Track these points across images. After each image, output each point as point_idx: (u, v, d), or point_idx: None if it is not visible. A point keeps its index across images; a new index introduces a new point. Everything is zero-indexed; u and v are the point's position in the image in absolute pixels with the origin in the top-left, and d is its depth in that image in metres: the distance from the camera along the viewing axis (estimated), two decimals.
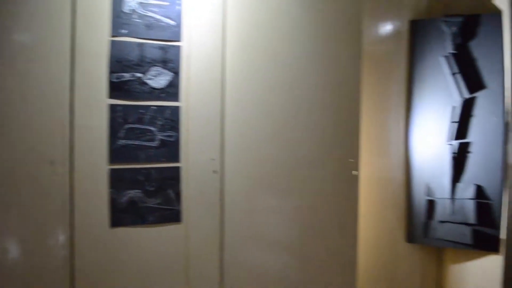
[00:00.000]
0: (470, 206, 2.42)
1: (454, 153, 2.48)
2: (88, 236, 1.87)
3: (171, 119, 2.03)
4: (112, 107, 1.93)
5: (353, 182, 2.14)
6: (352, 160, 2.14)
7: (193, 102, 2.05)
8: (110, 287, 1.91)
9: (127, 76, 1.94)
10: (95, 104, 1.89)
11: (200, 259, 2.06)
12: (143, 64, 1.97)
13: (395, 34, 2.68)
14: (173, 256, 2.01)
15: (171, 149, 2.03)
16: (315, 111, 2.17)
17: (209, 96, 2.07)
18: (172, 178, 2.04)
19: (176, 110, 2.03)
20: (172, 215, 2.04)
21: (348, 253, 2.17)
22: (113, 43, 1.91)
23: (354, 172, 2.13)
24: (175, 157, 2.04)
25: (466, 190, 2.44)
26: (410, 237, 2.66)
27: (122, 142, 1.95)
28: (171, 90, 2.02)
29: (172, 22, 2.00)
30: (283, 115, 2.15)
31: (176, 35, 2.01)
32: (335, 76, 2.19)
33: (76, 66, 1.84)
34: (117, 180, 1.94)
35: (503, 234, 2.37)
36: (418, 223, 2.62)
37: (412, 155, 2.66)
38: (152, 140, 2.00)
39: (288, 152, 2.14)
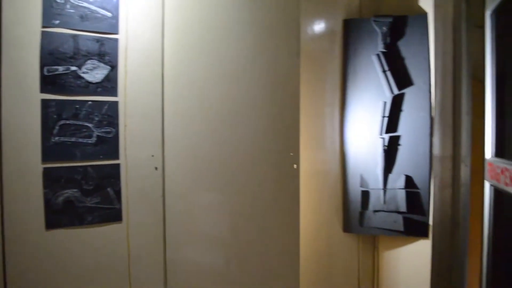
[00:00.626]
0: (401, 195, 2.58)
1: (385, 145, 2.63)
2: (22, 241, 1.75)
3: (109, 115, 1.95)
4: (45, 102, 1.82)
5: (294, 175, 2.19)
6: (292, 154, 2.19)
7: (131, 97, 1.98)
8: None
9: (60, 69, 1.84)
10: (26, 99, 1.77)
11: (143, 258, 2.00)
12: (78, 57, 1.87)
13: (329, 33, 2.78)
14: (115, 257, 1.94)
15: (109, 145, 1.96)
16: (256, 106, 2.19)
17: (148, 91, 2.02)
18: (111, 176, 1.96)
19: (113, 105, 1.96)
20: (112, 215, 1.96)
21: (290, 247, 2.22)
22: (45, 34, 1.80)
23: (294, 166, 2.18)
24: (113, 154, 1.97)
25: (397, 180, 2.59)
26: (347, 227, 2.78)
27: (57, 139, 1.84)
28: (108, 85, 1.94)
29: (108, 14, 1.92)
30: (224, 110, 2.14)
31: (113, 27, 1.93)
32: (275, 72, 2.23)
33: (3, 57, 1.71)
34: (52, 180, 1.83)
35: (431, 220, 2.54)
36: (354, 213, 2.74)
37: (347, 148, 2.78)
38: (88, 136, 1.91)
39: (229, 147, 2.15)
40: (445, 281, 2.73)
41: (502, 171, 2.26)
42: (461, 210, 2.73)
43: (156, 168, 2.05)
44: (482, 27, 2.52)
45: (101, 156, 1.93)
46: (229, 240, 2.14)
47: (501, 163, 2.27)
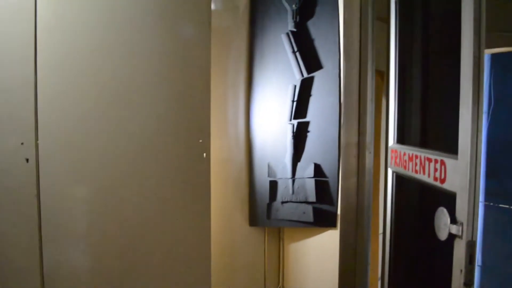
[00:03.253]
0: (310, 185, 2.46)
1: (294, 132, 2.47)
2: None
3: None
4: None
5: (204, 164, 1.90)
6: (201, 141, 1.89)
7: None
8: None
9: None
10: None
11: (20, 271, 1.55)
12: None
13: (235, 8, 2.51)
14: None
15: None
16: (158, 84, 1.82)
17: (16, 58, 1.54)
18: None
19: None
20: None
21: (201, 241, 1.91)
22: None
23: (204, 154, 1.89)
24: None
25: (306, 169, 2.46)
26: (253, 220, 2.59)
27: None
28: None
29: None
30: (118, 87, 1.73)
31: None
32: (180, 43, 1.88)
33: None
34: None
35: (339, 209, 2.48)
36: (261, 205, 2.56)
37: (253, 135, 2.57)
38: None
39: (124, 132, 1.75)
40: (351, 270, 2.71)
41: (410, 158, 2.25)
42: (365, 198, 2.73)
43: (27, 160, 1.58)
44: (386, 18, 2.51)
45: None
46: (129, 243, 1.76)
47: (409, 150, 2.27)
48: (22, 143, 1.57)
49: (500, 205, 2.59)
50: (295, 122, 2.47)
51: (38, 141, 1.60)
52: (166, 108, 1.83)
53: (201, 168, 1.88)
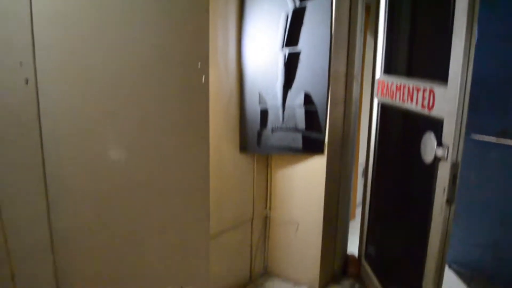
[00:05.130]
0: (299, 113, 2.52)
1: (285, 61, 2.50)
2: None
3: None
4: None
5: (203, 89, 1.91)
6: (200, 64, 1.88)
7: None
8: None
9: None
10: None
11: (17, 206, 1.57)
12: None
13: None
14: None
15: None
16: (156, 13, 1.78)
17: None
18: None
19: None
20: None
21: (200, 165, 1.96)
22: None
23: (203, 79, 1.89)
24: None
25: (296, 98, 2.52)
26: (243, 147, 2.66)
27: None
28: None
29: None
30: (118, 9, 1.69)
31: None
32: None
33: None
34: None
35: (327, 137, 2.57)
36: (251, 133, 2.62)
37: (245, 64, 2.57)
38: None
39: (124, 57, 1.73)
40: (336, 194, 2.87)
41: (397, 88, 2.34)
42: (351, 126, 2.83)
43: (26, 81, 1.56)
44: None
45: None
46: (131, 163, 1.81)
47: (398, 80, 2.34)
48: (20, 63, 1.54)
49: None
50: (286, 50, 2.49)
51: (36, 61, 1.56)
52: (165, 31, 1.81)
53: (200, 92, 1.89)
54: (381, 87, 2.57)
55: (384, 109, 2.63)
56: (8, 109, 1.53)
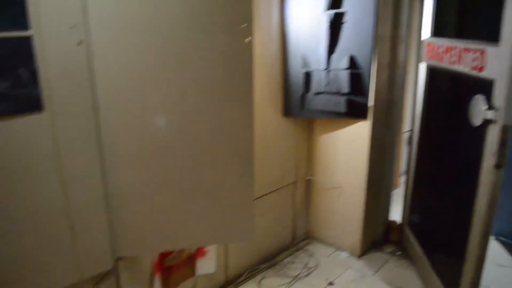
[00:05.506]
0: (343, 76, 2.49)
1: (329, 23, 2.45)
2: None
3: None
4: None
5: (247, 50, 1.92)
6: (245, 25, 1.89)
7: None
8: None
9: None
10: None
11: (74, 153, 1.68)
12: None
13: None
14: (40, 153, 1.58)
15: (14, 12, 1.48)
16: None
17: None
18: (22, 52, 1.52)
19: None
20: (29, 102, 1.56)
21: (244, 125, 1.97)
22: None
23: (247, 39, 1.90)
24: (22, 23, 1.50)
25: (340, 61, 2.48)
26: (287, 111, 2.67)
27: None
28: None
29: None
30: None
31: None
32: None
33: None
34: None
35: (371, 102, 2.53)
36: (295, 97, 2.62)
37: (288, 27, 2.55)
38: None
39: (170, 18, 1.76)
40: (379, 161, 2.84)
41: (446, 50, 2.24)
42: (397, 90, 2.76)
43: (80, 42, 1.63)
44: None
45: (4, 27, 1.46)
46: (177, 125, 1.86)
47: (446, 42, 2.25)
48: (73, 26, 1.61)
49: None
50: (330, 12, 2.43)
51: (89, 23, 1.63)
52: None
53: (244, 53, 1.90)
54: (428, 49, 2.48)
55: (431, 73, 2.54)
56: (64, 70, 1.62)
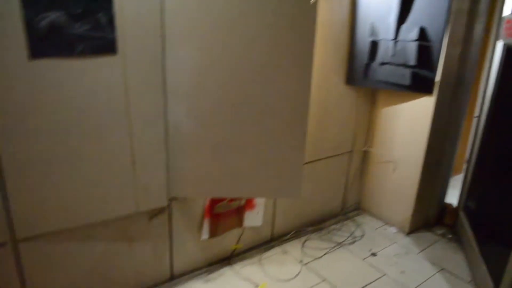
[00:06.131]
0: (411, 48, 2.42)
1: None
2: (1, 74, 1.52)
3: None
4: None
5: (311, 12, 1.93)
6: None
7: None
8: (36, 125, 1.64)
9: None
10: None
11: (140, 94, 1.83)
12: None
13: None
14: (111, 93, 1.75)
15: None
16: None
17: None
18: None
19: None
20: (105, 45, 1.72)
21: (302, 88, 2.02)
22: None
23: (312, 0, 1.91)
24: None
25: (410, 32, 2.41)
26: (350, 79, 2.67)
27: None
28: None
29: None
30: None
31: None
32: None
33: None
34: None
35: (438, 77, 2.45)
36: (359, 65, 2.60)
37: None
38: None
39: None
40: (440, 142, 2.76)
41: None
42: (468, 69, 2.64)
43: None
44: None
45: None
46: (235, 84, 1.95)
47: None
48: None
49: None
50: None
51: None
52: None
53: (308, 13, 1.92)
54: (508, 27, 2.33)
55: (509, 53, 2.39)
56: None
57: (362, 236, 2.89)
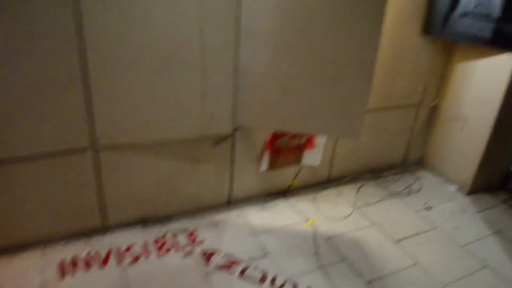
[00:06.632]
0: None
1: None
2: None
3: None
4: None
5: None
6: None
7: None
8: (125, 51, 1.82)
9: None
10: None
11: (215, 27, 1.95)
12: None
13: None
14: (190, 25, 1.89)
15: None
16: None
17: None
18: None
19: None
20: None
21: (371, 38, 2.03)
22: None
23: None
24: None
25: None
26: (427, 29, 2.58)
27: None
28: None
29: None
30: None
31: None
32: None
33: None
34: None
35: None
36: (438, 15, 2.51)
37: None
38: None
39: None
40: None
41: None
42: None
43: None
44: None
45: None
46: (312, 19, 1.99)
47: None
48: None
49: None
50: None
51: None
52: None
53: None
54: None
55: None
56: None
57: (419, 189, 2.90)
